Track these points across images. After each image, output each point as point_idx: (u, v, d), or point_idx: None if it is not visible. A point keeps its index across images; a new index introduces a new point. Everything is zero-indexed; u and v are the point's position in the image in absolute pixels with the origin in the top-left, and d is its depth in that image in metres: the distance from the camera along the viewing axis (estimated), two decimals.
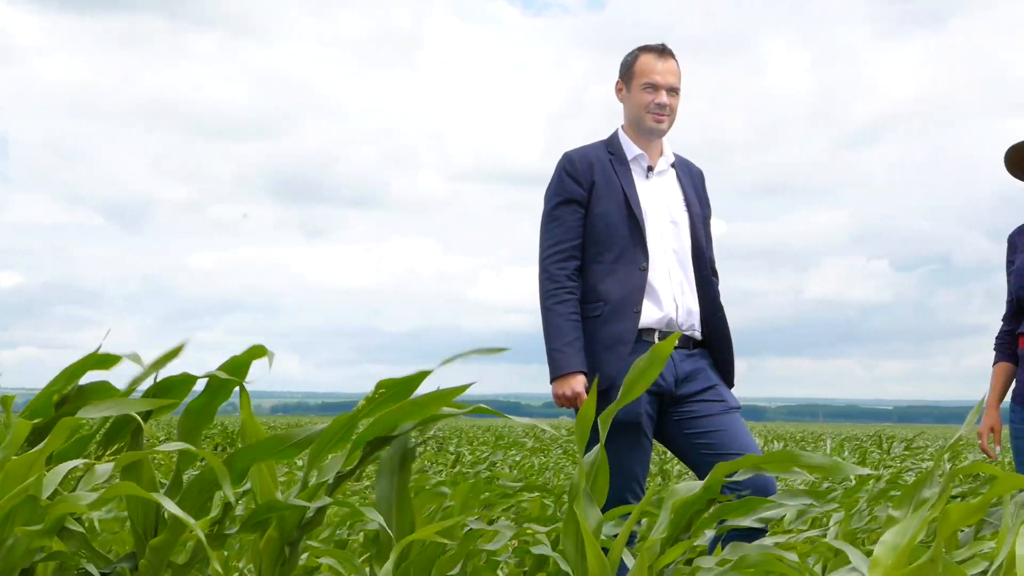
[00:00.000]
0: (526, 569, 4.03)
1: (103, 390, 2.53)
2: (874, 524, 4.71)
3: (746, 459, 2.32)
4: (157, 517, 2.42)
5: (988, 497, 1.83)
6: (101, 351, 2.49)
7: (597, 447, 2.46)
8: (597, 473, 2.38)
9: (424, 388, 2.42)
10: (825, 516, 4.83)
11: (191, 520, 2.08)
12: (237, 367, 2.49)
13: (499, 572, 4.10)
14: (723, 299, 4.07)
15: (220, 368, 2.49)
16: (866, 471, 2.19)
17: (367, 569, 2.69)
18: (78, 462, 2.31)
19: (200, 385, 2.55)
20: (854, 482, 5.62)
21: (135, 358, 2.50)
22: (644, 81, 3.94)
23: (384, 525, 2.33)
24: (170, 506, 2.11)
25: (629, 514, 2.63)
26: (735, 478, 2.43)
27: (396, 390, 2.39)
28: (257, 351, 2.48)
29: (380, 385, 2.41)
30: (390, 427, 2.40)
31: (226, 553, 3.62)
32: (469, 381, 2.42)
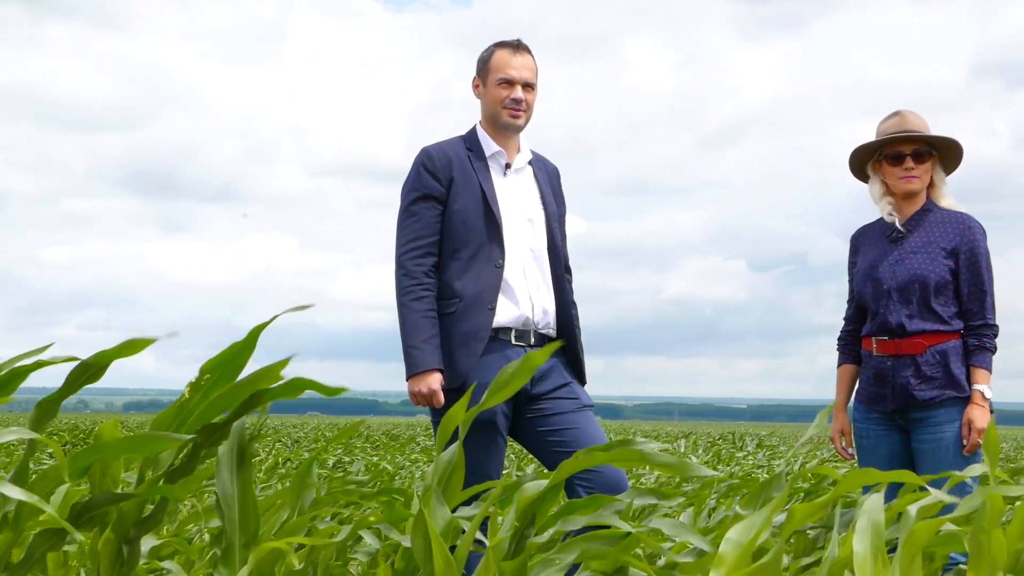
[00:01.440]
0: (376, 570, 4.00)
1: None
2: (724, 521, 4.78)
3: (592, 454, 2.31)
4: None
5: (832, 495, 1.86)
6: None
7: (454, 446, 2.43)
8: (452, 472, 2.36)
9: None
10: (675, 513, 4.90)
11: (41, 503, 2.00)
12: (99, 364, 2.33)
13: (350, 570, 4.06)
14: (582, 297, 4.11)
15: (85, 361, 2.34)
16: (712, 472, 2.20)
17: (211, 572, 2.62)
18: None
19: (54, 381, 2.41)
20: (700, 484, 5.71)
21: None
22: (499, 76, 3.95)
23: (229, 527, 2.27)
24: (13, 491, 2.03)
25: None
26: (586, 478, 2.44)
27: (221, 372, 2.28)
28: (133, 346, 2.29)
29: (204, 370, 2.28)
30: (219, 413, 2.29)
31: (65, 552, 3.51)
32: (318, 372, 2.33)
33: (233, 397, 2.25)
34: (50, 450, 13.23)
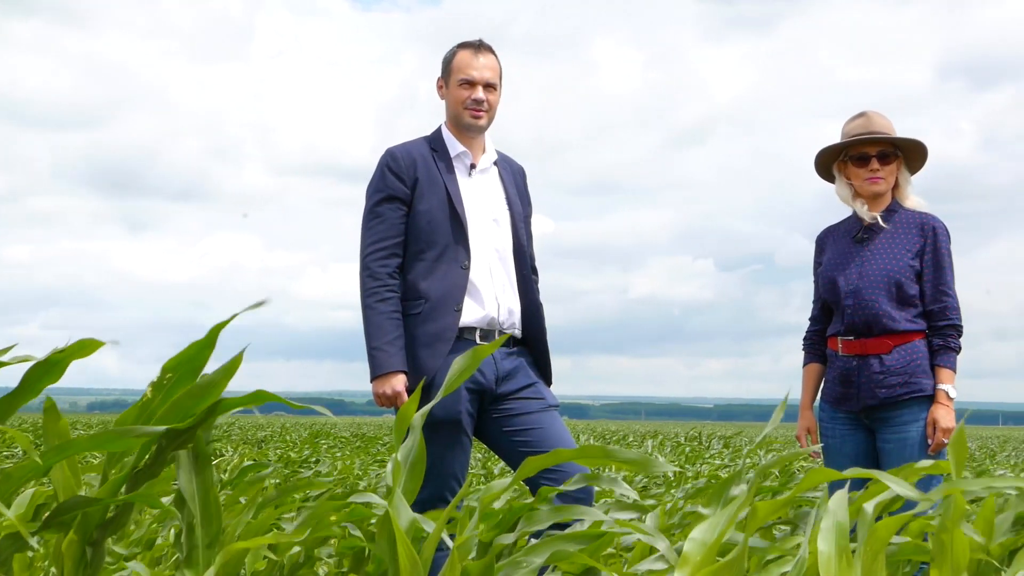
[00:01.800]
0: (345, 569, 3.99)
1: None
2: (688, 520, 4.79)
3: (556, 453, 2.31)
4: None
5: (795, 492, 1.86)
6: None
7: (412, 445, 2.43)
8: (411, 471, 2.35)
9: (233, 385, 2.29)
10: (642, 512, 4.91)
11: (6, 510, 1.98)
12: (57, 362, 2.31)
13: (319, 571, 4.05)
14: (549, 297, 4.11)
15: (39, 362, 2.32)
16: (676, 468, 2.21)
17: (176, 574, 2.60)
18: None
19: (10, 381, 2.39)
20: (672, 476, 5.73)
21: None
22: (461, 77, 3.95)
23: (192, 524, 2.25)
24: None
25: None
26: (552, 477, 2.44)
27: (182, 371, 2.27)
28: (85, 347, 2.27)
29: (165, 369, 2.27)
30: (184, 416, 2.27)
31: (31, 555, 3.49)
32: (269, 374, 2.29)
33: (193, 400, 2.23)
34: (16, 447, 13.12)
